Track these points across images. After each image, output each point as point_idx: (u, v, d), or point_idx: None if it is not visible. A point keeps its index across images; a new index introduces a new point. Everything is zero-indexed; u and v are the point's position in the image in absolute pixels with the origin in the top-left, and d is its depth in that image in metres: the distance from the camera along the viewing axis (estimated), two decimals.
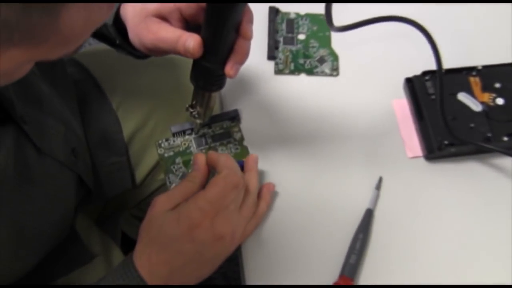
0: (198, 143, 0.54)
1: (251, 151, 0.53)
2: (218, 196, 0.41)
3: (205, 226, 0.40)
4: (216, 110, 0.53)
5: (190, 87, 0.47)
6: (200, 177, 0.44)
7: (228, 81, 0.47)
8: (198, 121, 0.50)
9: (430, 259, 0.47)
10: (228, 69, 0.42)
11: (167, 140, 0.54)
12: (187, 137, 0.54)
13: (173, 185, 0.51)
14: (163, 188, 0.62)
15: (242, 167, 0.48)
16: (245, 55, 0.42)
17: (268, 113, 0.55)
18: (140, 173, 0.61)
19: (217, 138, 0.54)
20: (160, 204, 0.42)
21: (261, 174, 0.51)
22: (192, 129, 0.53)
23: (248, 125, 0.54)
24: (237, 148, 0.53)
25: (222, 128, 0.54)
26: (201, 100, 0.47)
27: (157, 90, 0.60)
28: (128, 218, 0.69)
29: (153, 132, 0.60)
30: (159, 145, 0.54)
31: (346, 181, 0.51)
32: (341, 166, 0.52)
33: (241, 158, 0.50)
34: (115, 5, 0.39)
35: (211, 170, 0.46)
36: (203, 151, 0.53)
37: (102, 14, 0.26)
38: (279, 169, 0.52)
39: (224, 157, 0.44)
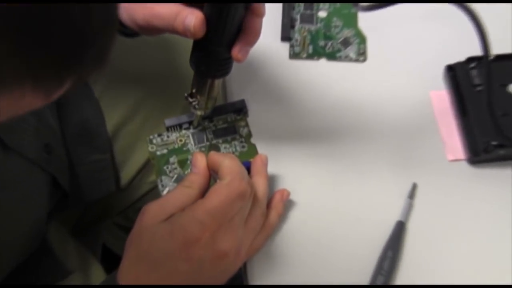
0: (197, 140, 0.54)
1: (260, 150, 0.54)
2: (221, 206, 0.41)
3: (204, 241, 0.40)
4: (219, 100, 0.54)
5: (190, 72, 0.48)
6: (199, 182, 0.45)
7: (235, 66, 0.47)
8: (198, 113, 0.51)
9: (473, 282, 0.48)
10: (236, 52, 0.43)
11: (160, 135, 0.54)
12: (184, 132, 0.54)
13: (167, 189, 0.52)
14: (154, 192, 0.63)
15: (248, 169, 0.48)
16: (255, 35, 0.43)
17: (281, 105, 0.56)
18: (127, 173, 0.62)
19: (219, 134, 0.55)
20: (151, 213, 0.42)
21: (271, 179, 0.52)
22: (190, 123, 0.54)
23: (256, 118, 0.55)
24: (243, 146, 0.54)
25: (226, 122, 0.55)
26: (202, 88, 0.48)
27: (149, 75, 0.61)
28: (111, 228, 0.70)
29: (142, 125, 0.61)
30: (150, 141, 0.54)
31: (373, 187, 0.52)
32: (367, 170, 0.53)
33: (248, 159, 0.50)
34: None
35: (213, 174, 0.46)
36: (203, 149, 0.54)
37: (31, 107, 0.27)
38: (294, 173, 0.53)
39: (228, 160, 0.44)
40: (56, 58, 0.26)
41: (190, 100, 0.49)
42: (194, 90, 0.49)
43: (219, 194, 0.42)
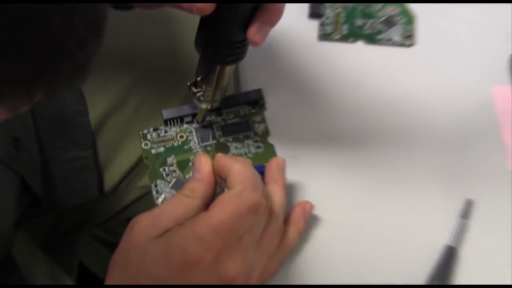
0: (202, 137, 0.55)
1: (278, 152, 0.54)
2: (228, 222, 0.41)
3: (207, 264, 0.41)
4: (229, 90, 0.54)
5: (195, 56, 0.48)
6: (202, 190, 0.45)
7: (250, 50, 0.47)
8: (204, 105, 0.51)
9: None
10: (252, 33, 0.43)
11: (155, 129, 0.55)
12: (185, 126, 0.55)
13: (162, 197, 0.52)
14: (145, 200, 0.63)
15: (263, 176, 0.49)
16: (277, 13, 0.43)
17: (306, 97, 0.56)
18: (112, 175, 0.62)
19: (229, 131, 0.55)
20: (142, 227, 0.43)
21: (291, 188, 0.52)
22: (194, 116, 0.54)
23: (275, 113, 0.55)
24: (258, 147, 0.55)
25: (238, 116, 0.55)
26: (209, 77, 0.48)
27: (144, 56, 0.61)
28: (90, 242, 0.70)
29: (134, 117, 0.61)
30: (144, 137, 0.54)
31: (417, 204, 0.52)
32: (411, 182, 0.53)
33: (264, 163, 0.50)
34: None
35: (219, 181, 0.46)
36: (209, 149, 0.54)
37: None
38: (319, 182, 0.53)
39: (239, 164, 0.45)
40: (26, 73, 0.26)
41: (194, 90, 0.50)
42: (199, 78, 0.49)
43: (226, 206, 0.42)
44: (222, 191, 0.45)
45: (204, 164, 0.46)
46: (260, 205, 0.42)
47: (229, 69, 0.48)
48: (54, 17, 0.26)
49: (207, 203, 0.44)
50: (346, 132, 0.55)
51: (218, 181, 0.46)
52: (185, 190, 0.45)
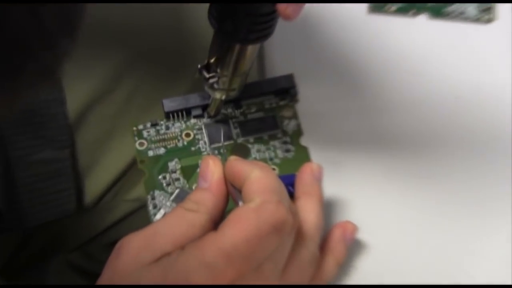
0: (214, 136, 0.54)
1: (313, 157, 0.54)
2: (244, 244, 0.41)
3: None
4: (252, 77, 0.54)
5: (208, 31, 0.48)
6: (210, 203, 0.45)
7: (280, 25, 0.47)
8: (218, 95, 0.51)
9: None
10: (284, 5, 0.43)
11: (154, 125, 0.54)
12: (193, 122, 0.55)
13: (161, 214, 0.52)
14: (138, 216, 0.61)
15: (293, 188, 0.50)
16: None
17: (352, 87, 0.56)
18: (95, 184, 0.60)
19: (251, 129, 0.55)
20: (133, 250, 0.43)
21: (328, 205, 0.52)
22: (204, 108, 0.54)
23: (310, 107, 0.55)
24: (287, 150, 0.54)
25: (262, 110, 0.55)
26: (227, 58, 0.48)
27: (139, 31, 0.60)
28: (63, 270, 0.67)
29: (125, 108, 0.60)
30: (139, 134, 0.54)
31: (492, 227, 0.51)
32: (485, 199, 0.52)
33: (294, 171, 0.50)
34: None
35: (232, 193, 0.46)
36: (222, 152, 0.54)
37: None
38: (365, 195, 0.52)
39: (259, 170, 0.45)
40: None
41: (207, 75, 0.49)
42: (212, 60, 0.49)
43: (242, 224, 0.42)
44: (236, 205, 0.45)
45: (212, 169, 0.46)
46: (285, 223, 0.42)
47: (251, 49, 0.48)
48: (16, 9, 0.26)
49: (216, 220, 0.45)
50: (402, 133, 0.55)
51: (231, 192, 0.46)
52: (188, 203, 0.45)
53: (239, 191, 0.45)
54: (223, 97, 0.52)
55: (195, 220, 0.44)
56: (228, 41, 0.47)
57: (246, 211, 0.42)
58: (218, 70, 0.49)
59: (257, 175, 0.44)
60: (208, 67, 0.50)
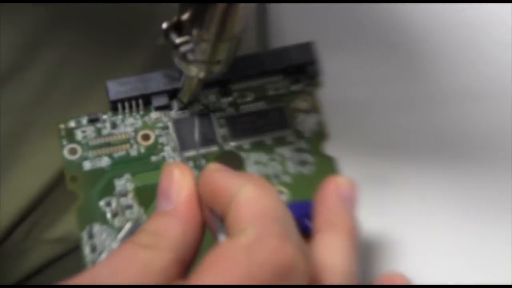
0: (188, 138, 0.50)
1: (345, 170, 0.51)
2: None
3: None
4: (248, 46, 0.54)
5: None
6: (175, 234, 0.42)
7: None
8: (194, 71, 0.47)
9: None
10: None
11: (93, 120, 0.50)
12: (155, 116, 0.51)
13: (101, 255, 0.48)
14: (64, 264, 0.58)
15: (309, 219, 0.45)
16: None
17: (402, 63, 0.56)
18: (3, 214, 0.57)
19: (246, 128, 0.51)
20: None
21: (369, 242, 0.52)
22: (172, 94, 0.51)
23: (340, 95, 0.54)
24: (303, 162, 0.50)
25: (264, 99, 0.51)
26: (208, 13, 0.44)
27: None
28: None
29: (44, 94, 0.57)
30: (68, 135, 0.50)
31: None
32: None
33: (313, 195, 0.46)
34: None
35: (210, 218, 0.43)
36: (199, 164, 0.51)
37: None
38: (422, 228, 0.52)
39: (251, 186, 0.40)
40: None
41: (176, 39, 0.46)
42: (185, 16, 0.46)
43: (227, 270, 0.37)
44: (215, 239, 0.42)
45: (179, 183, 0.43)
46: (293, 269, 0.38)
47: (244, 8, 0.44)
48: None
49: (185, 261, 0.41)
50: (475, 134, 0.55)
51: (208, 218, 0.43)
52: (142, 236, 0.41)
53: (221, 218, 0.41)
54: (202, 75, 0.47)
55: (153, 261, 0.40)
56: None
57: (233, 249, 0.38)
58: (194, 32, 0.45)
59: (249, 194, 0.40)
60: (178, 27, 0.46)
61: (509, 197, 0.54)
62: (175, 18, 0.46)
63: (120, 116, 0.50)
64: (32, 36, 0.58)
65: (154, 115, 0.50)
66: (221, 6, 0.44)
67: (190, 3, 0.47)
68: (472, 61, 0.57)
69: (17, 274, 0.58)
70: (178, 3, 0.48)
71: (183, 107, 0.51)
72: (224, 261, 0.38)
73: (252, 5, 0.51)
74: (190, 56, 0.46)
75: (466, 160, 0.55)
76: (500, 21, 0.59)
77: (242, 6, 0.45)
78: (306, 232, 0.45)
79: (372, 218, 0.50)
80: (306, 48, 0.51)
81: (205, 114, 0.51)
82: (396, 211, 0.53)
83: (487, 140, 0.55)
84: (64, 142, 0.49)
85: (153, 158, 0.49)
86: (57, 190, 0.57)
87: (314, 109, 0.51)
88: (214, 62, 0.47)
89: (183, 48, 0.46)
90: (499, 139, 0.55)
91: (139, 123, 0.50)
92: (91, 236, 0.47)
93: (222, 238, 0.41)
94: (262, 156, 0.50)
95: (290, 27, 0.58)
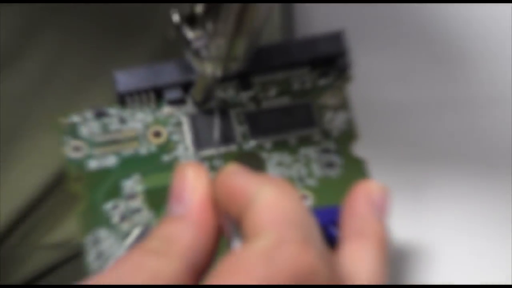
0: (204, 137, 0.49)
1: (376, 175, 0.49)
2: None
3: None
4: (271, 35, 0.54)
5: None
6: (187, 241, 0.40)
7: None
8: (209, 68, 0.45)
9: None
10: None
11: (99, 115, 0.48)
12: (167, 110, 0.49)
13: (107, 263, 0.47)
14: (65, 273, 0.56)
15: (334, 224, 0.44)
16: None
17: (445, 58, 0.55)
18: None
19: (268, 126, 0.50)
20: None
21: (403, 253, 0.52)
22: (186, 87, 0.48)
23: (372, 91, 0.54)
24: (330, 164, 0.49)
25: (288, 94, 0.50)
26: (224, 6, 0.43)
27: None
28: None
29: (43, 85, 0.56)
30: (71, 131, 0.48)
31: None
32: None
33: (341, 201, 0.45)
34: None
35: (226, 223, 0.42)
36: (217, 164, 0.50)
37: None
38: (461, 238, 0.52)
39: (272, 189, 0.39)
40: None
41: (189, 34, 0.45)
42: (199, 9, 0.45)
43: (244, 276, 0.36)
44: (230, 244, 0.42)
45: (193, 185, 0.42)
46: (316, 276, 0.37)
47: None
48: None
49: (197, 269, 0.40)
50: None
51: (224, 224, 0.42)
52: (151, 242, 0.40)
53: (237, 222, 0.40)
54: (218, 73, 0.44)
55: (162, 269, 0.39)
56: None
57: (249, 255, 0.37)
58: (209, 26, 0.43)
59: (269, 198, 0.39)
60: (191, 21, 0.44)
61: None
62: (187, 10, 0.45)
63: (129, 110, 0.48)
64: (29, 21, 0.57)
65: (166, 109, 0.49)
66: (233, 10, 0.43)
67: None
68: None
69: (12, 281, 0.57)
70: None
71: (198, 104, 0.50)
72: (239, 268, 0.36)
73: (273, 9, 0.50)
74: (203, 52, 0.45)
75: (503, 167, 0.54)
76: None
77: (261, 12, 0.43)
78: (332, 240, 0.43)
79: (403, 226, 0.50)
80: (336, 38, 0.49)
81: (222, 110, 0.50)
82: (428, 218, 0.53)
83: None
84: (66, 138, 0.48)
85: (165, 158, 0.48)
86: (57, 192, 0.55)
87: (343, 106, 0.49)
88: (231, 59, 0.45)
89: (196, 44, 0.44)
90: None
91: (149, 118, 0.48)
92: (95, 242, 0.46)
93: (237, 244, 0.40)
94: (285, 157, 0.48)
95: (319, 14, 0.57)
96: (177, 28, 0.45)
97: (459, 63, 0.56)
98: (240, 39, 0.43)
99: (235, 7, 0.42)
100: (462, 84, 0.56)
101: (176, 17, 0.45)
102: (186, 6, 0.46)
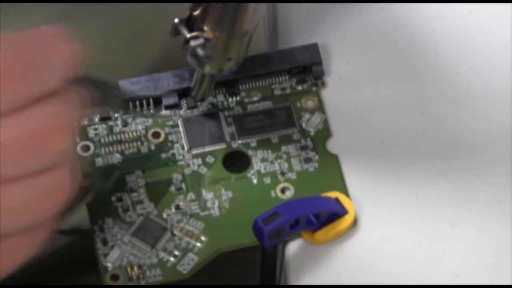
0: (196, 137, 0.52)
1: (347, 170, 0.51)
2: None
3: None
4: (256, 47, 0.53)
5: None
6: None
7: None
8: (207, 67, 0.49)
9: None
10: None
11: (105, 119, 0.52)
12: (165, 113, 0.53)
13: (116, 254, 0.49)
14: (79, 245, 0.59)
15: (316, 217, 0.48)
16: None
17: (410, 61, 0.55)
18: None
19: (253, 126, 0.52)
20: None
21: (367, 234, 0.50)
22: (182, 94, 0.52)
23: (344, 94, 0.54)
24: (308, 160, 0.51)
25: (270, 98, 0.53)
26: (219, 8, 0.46)
27: None
28: None
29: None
30: (81, 133, 0.52)
31: None
32: None
33: (318, 192, 0.49)
34: None
35: None
36: (210, 160, 0.52)
37: None
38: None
39: None
40: None
41: (187, 34, 0.47)
42: (197, 12, 0.47)
43: None
44: None
45: None
46: None
47: (253, 7, 0.46)
48: None
49: None
50: (493, 138, 0.54)
51: None
52: None
53: None
54: (213, 72, 0.49)
55: None
56: None
57: None
58: (205, 27, 0.46)
59: None
60: (189, 23, 0.47)
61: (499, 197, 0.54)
62: (187, 14, 0.47)
63: (131, 115, 0.52)
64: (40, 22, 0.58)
65: (164, 112, 0.52)
66: (232, 6, 0.46)
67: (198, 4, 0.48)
68: (477, 63, 0.57)
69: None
70: (190, 2, 0.49)
71: (192, 106, 0.52)
72: None
73: (263, 15, 0.51)
74: (200, 52, 0.47)
75: (464, 161, 0.54)
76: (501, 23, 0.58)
77: (251, 10, 0.46)
78: (312, 227, 0.48)
79: (369, 214, 0.50)
80: (312, 49, 0.52)
81: (213, 113, 0.52)
82: (394, 206, 0.51)
83: (490, 142, 0.54)
84: (77, 139, 0.51)
85: (163, 155, 0.51)
86: None
87: (319, 108, 0.52)
88: (225, 59, 0.48)
89: (193, 43, 0.46)
90: (502, 160, 0.54)
91: (149, 121, 0.52)
92: (102, 230, 0.49)
93: None
94: (268, 154, 0.51)
95: (297, 28, 0.57)
96: (176, 29, 0.47)
97: (421, 67, 0.56)
98: (233, 41, 0.47)
99: (229, 11, 0.46)
100: (426, 87, 0.55)
101: (176, 20, 0.47)
102: (186, 10, 0.48)
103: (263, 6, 0.49)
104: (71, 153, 0.43)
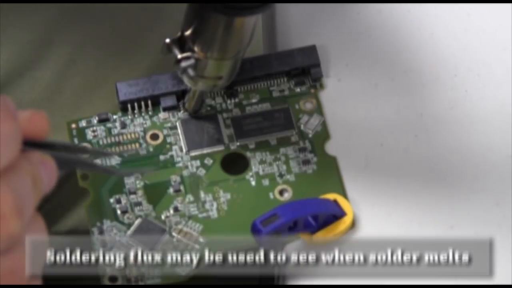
0: (194, 138, 0.52)
1: (345, 172, 0.51)
2: None
3: None
4: (255, 49, 0.54)
5: None
6: None
7: None
8: (199, 84, 0.49)
9: None
10: None
11: (103, 120, 0.52)
12: (163, 116, 0.53)
13: (112, 250, 0.49)
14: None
15: (315, 219, 0.48)
16: None
17: (410, 65, 0.55)
18: None
19: (251, 128, 0.53)
20: None
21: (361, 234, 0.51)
22: (180, 96, 0.53)
23: (343, 97, 0.54)
24: (307, 162, 0.51)
25: (269, 100, 0.53)
26: (209, 30, 0.46)
27: None
28: None
29: (54, 93, 0.58)
30: (79, 134, 0.52)
31: None
32: None
33: (316, 194, 0.49)
34: None
35: None
36: (208, 162, 0.52)
37: None
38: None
39: None
40: None
41: (178, 54, 0.48)
42: (188, 33, 0.47)
43: None
44: None
45: None
46: None
47: (248, 22, 0.46)
48: None
49: None
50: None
51: None
52: None
53: None
54: (206, 88, 0.49)
55: None
56: (207, 10, 0.45)
57: None
58: (196, 48, 0.46)
59: None
60: (181, 43, 0.47)
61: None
62: (178, 34, 0.48)
63: (129, 116, 0.52)
64: (42, 35, 0.59)
65: (162, 115, 0.52)
66: (221, 28, 0.46)
67: (193, 19, 0.47)
68: (475, 65, 0.57)
69: None
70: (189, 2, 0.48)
71: (191, 112, 0.53)
72: None
73: (253, 23, 0.48)
74: (191, 72, 0.48)
75: (462, 163, 0.53)
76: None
77: (241, 27, 0.46)
78: (311, 228, 0.47)
79: (366, 214, 0.50)
80: (310, 52, 0.53)
81: (211, 115, 0.53)
82: (392, 207, 0.51)
83: (488, 145, 0.54)
84: (75, 141, 0.52)
85: (161, 157, 0.51)
86: (67, 187, 0.56)
87: (317, 110, 0.53)
88: (217, 78, 0.49)
89: (184, 64, 0.47)
90: (500, 162, 0.54)
91: (148, 123, 0.52)
92: (101, 231, 0.50)
93: None
94: (267, 156, 0.52)
95: (296, 30, 0.57)
96: (168, 48, 0.48)
97: (423, 71, 0.56)
98: (224, 62, 0.48)
99: (218, 35, 0.46)
100: (425, 89, 0.55)
101: (167, 40, 0.48)
102: (177, 30, 0.49)
103: (253, 25, 0.48)
104: (32, 234, 0.41)
